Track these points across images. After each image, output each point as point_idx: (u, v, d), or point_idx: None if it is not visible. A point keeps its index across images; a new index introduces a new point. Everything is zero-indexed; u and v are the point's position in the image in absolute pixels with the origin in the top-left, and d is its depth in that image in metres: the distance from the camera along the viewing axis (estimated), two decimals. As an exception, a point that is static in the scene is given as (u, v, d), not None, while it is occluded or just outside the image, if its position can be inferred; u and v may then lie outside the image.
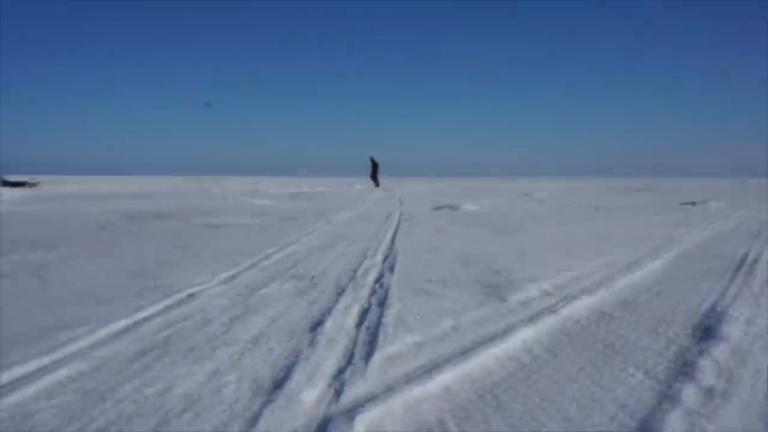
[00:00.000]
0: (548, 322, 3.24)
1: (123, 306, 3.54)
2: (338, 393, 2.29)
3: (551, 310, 3.49)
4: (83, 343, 2.85)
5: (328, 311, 3.46)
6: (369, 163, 27.62)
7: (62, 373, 2.47)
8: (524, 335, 2.99)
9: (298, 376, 2.43)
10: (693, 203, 13.75)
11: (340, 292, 3.98)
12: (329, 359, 2.63)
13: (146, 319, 3.31)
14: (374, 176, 27.70)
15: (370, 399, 2.23)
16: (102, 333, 3.00)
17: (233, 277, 4.57)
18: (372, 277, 4.54)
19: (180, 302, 3.70)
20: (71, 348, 2.76)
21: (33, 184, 22.54)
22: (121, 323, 3.19)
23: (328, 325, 3.15)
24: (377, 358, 2.63)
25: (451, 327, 3.15)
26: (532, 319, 3.28)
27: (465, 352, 2.71)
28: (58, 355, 2.67)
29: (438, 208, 12.65)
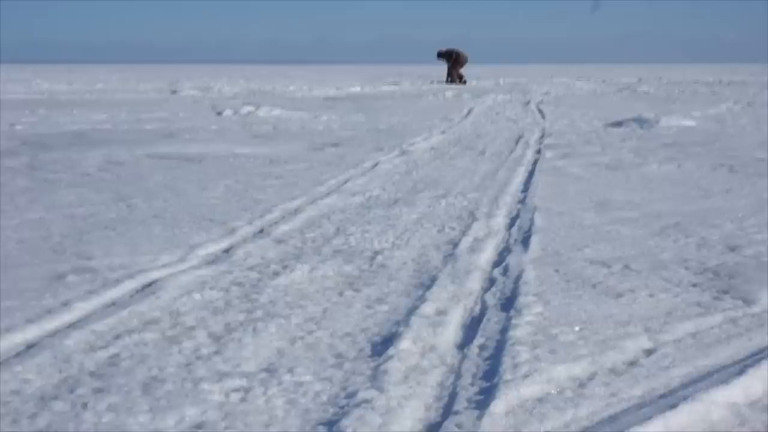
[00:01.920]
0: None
1: (33, 300, 3.67)
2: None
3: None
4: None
5: (405, 318, 3.48)
6: (445, 61, 31.89)
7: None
8: (788, 367, 2.92)
9: (351, 435, 2.46)
10: None
11: (427, 283, 3.99)
12: (409, 407, 2.66)
13: (73, 325, 3.42)
14: (452, 72, 30.80)
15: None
16: (-7, 351, 3.13)
17: (226, 252, 4.66)
18: (488, 255, 4.54)
19: (132, 297, 3.81)
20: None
21: None
22: (29, 334, 3.31)
23: (406, 342, 3.18)
24: (499, 407, 2.64)
25: (642, 350, 3.12)
26: (803, 337, 3.21)
27: (671, 396, 2.68)
28: None
29: (614, 124, 12.49)
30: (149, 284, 4.01)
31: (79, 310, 3.62)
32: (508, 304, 3.65)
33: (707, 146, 9.56)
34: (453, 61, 31.51)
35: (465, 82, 31.02)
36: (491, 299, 3.74)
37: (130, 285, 3.99)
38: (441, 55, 31.70)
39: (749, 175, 7.29)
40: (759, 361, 2.96)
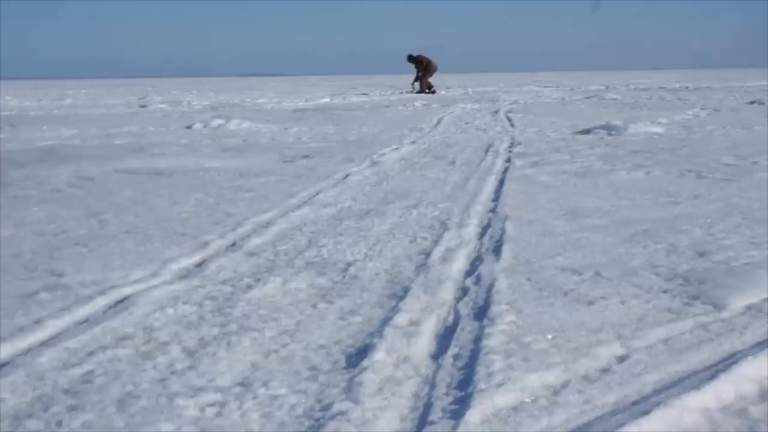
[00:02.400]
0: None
1: (4, 319, 3.65)
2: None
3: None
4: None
5: (379, 329, 3.49)
6: (413, 67, 30.96)
7: None
8: (762, 370, 2.95)
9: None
10: None
11: (400, 294, 4.01)
12: (384, 418, 2.67)
13: (46, 343, 3.41)
14: (422, 77, 30.76)
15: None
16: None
17: (198, 266, 4.66)
18: (460, 264, 4.56)
19: (105, 313, 3.80)
20: None
21: None
22: (2, 352, 3.29)
23: (380, 353, 3.18)
24: (474, 416, 2.65)
25: (615, 357, 3.14)
26: (773, 340, 3.24)
27: (644, 403, 2.70)
28: None
29: (583, 131, 12.56)
30: (122, 300, 4.00)
31: (52, 327, 3.60)
32: (481, 313, 3.66)
33: (675, 152, 9.63)
34: (423, 69, 31.21)
35: (434, 92, 30.93)
36: (464, 309, 3.76)
37: (102, 301, 3.98)
38: (412, 59, 31.31)
39: (717, 180, 7.34)
40: (730, 365, 2.98)
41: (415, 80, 31.48)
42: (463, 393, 2.83)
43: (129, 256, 4.89)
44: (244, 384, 2.99)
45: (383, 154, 9.97)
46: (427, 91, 30.88)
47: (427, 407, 2.76)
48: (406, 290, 4.06)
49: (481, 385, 2.85)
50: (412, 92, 31.10)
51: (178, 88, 47.85)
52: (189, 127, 15.10)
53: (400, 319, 3.59)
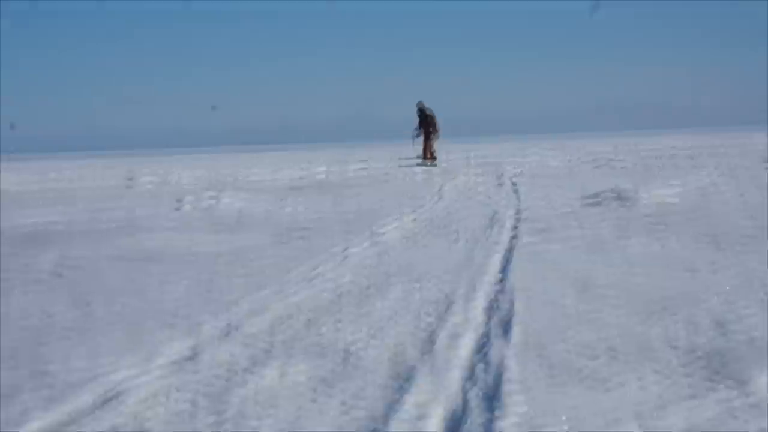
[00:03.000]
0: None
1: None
2: None
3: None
4: None
5: (383, 423, 3.48)
6: (417, 116, 28.33)
7: None
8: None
9: None
10: None
11: (405, 385, 3.99)
12: None
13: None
14: (425, 140, 28.29)
15: None
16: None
17: (190, 357, 4.62)
18: (469, 339, 4.57)
19: (93, 407, 3.79)
20: None
21: None
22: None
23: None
24: None
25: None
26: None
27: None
28: None
29: (592, 200, 12.52)
30: (110, 393, 3.97)
31: (39, 420, 3.59)
32: (491, 399, 3.64)
33: (690, 221, 9.60)
34: (431, 131, 29.03)
35: (436, 164, 29.37)
36: (473, 393, 3.74)
37: (86, 398, 3.94)
38: (422, 113, 28.88)
39: (735, 251, 7.32)
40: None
41: (416, 131, 29.21)
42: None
43: (113, 343, 4.85)
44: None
45: (384, 228, 9.94)
46: (429, 160, 29.29)
47: None
48: (410, 378, 4.02)
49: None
50: (412, 158, 29.84)
51: (166, 162, 47.96)
52: (179, 206, 14.99)
53: (405, 413, 3.56)
